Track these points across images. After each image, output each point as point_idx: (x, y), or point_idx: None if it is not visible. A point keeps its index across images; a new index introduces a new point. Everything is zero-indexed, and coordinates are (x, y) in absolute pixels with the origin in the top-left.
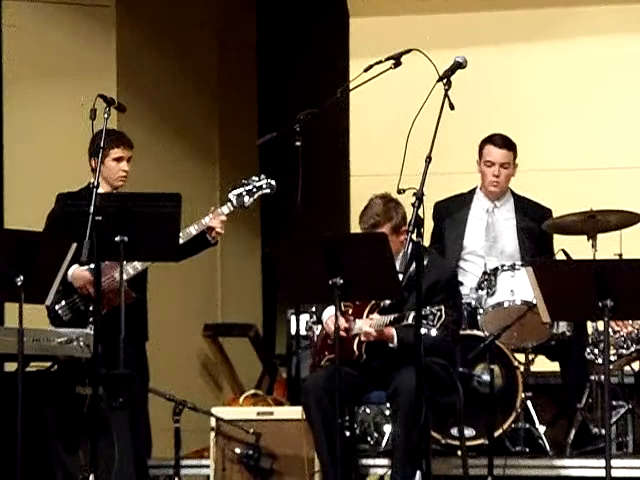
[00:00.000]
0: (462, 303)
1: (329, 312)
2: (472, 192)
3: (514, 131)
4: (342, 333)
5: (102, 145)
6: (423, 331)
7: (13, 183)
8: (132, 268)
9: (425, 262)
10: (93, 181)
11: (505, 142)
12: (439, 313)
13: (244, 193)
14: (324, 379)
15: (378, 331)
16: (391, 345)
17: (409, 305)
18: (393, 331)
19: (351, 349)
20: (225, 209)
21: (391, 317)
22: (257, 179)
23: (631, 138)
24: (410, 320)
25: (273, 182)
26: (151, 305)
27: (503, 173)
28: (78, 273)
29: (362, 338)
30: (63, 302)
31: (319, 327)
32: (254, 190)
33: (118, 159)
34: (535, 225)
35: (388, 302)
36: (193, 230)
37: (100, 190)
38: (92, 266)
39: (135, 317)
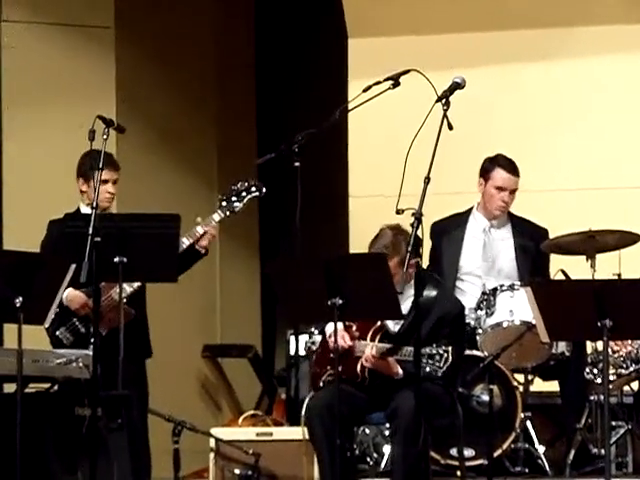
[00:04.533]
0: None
1: (332, 325)
2: (468, 212)
3: (513, 151)
4: (344, 344)
5: (100, 166)
6: (428, 369)
7: (12, 204)
8: (129, 286)
9: (435, 293)
10: (89, 203)
11: (514, 168)
12: (446, 355)
13: (234, 198)
14: (327, 399)
15: (384, 360)
16: (396, 377)
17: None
18: (399, 369)
19: (354, 370)
20: (216, 216)
21: (388, 346)
22: (246, 183)
23: (629, 158)
24: (410, 357)
25: (262, 185)
26: (150, 326)
27: (511, 198)
28: (73, 295)
29: (364, 363)
30: (63, 328)
31: (319, 339)
32: (243, 194)
33: (103, 181)
34: (532, 245)
35: (395, 328)
36: (186, 241)
37: (87, 211)
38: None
39: (136, 334)
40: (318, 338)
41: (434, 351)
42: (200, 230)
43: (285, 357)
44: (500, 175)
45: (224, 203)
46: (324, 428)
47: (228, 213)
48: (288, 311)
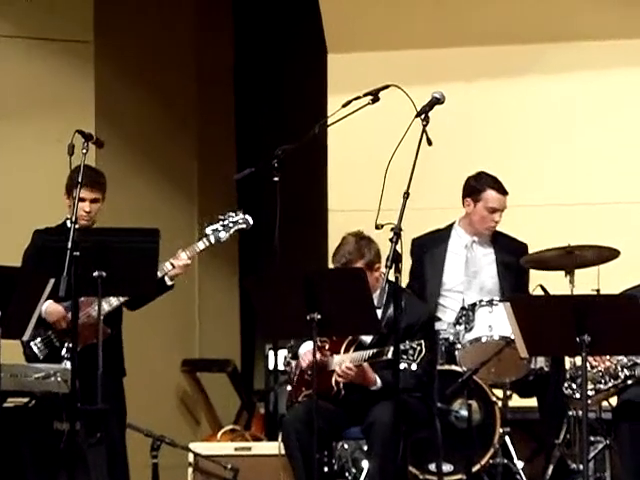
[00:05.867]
0: (439, 341)
1: (306, 347)
2: (449, 228)
3: (492, 167)
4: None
5: (80, 181)
6: (403, 366)
7: None
8: (107, 304)
9: (402, 303)
10: (69, 217)
11: (503, 187)
12: (419, 347)
13: (220, 228)
14: (304, 414)
15: (358, 369)
16: (373, 388)
17: (387, 343)
18: (375, 376)
19: (329, 384)
20: (201, 244)
21: (370, 352)
22: (233, 214)
23: (608, 174)
24: (390, 355)
25: (249, 217)
26: (129, 341)
27: (501, 217)
28: (52, 308)
29: (339, 376)
30: (38, 339)
31: (296, 362)
32: (230, 225)
33: (81, 199)
34: (513, 260)
35: (367, 339)
36: (169, 266)
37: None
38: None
39: (111, 352)
40: (294, 362)
41: (407, 346)
42: (184, 256)
43: (264, 372)
44: (492, 197)
45: (211, 232)
46: (300, 443)
47: (213, 241)
48: (267, 326)
